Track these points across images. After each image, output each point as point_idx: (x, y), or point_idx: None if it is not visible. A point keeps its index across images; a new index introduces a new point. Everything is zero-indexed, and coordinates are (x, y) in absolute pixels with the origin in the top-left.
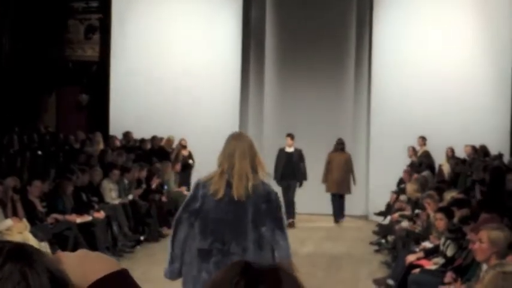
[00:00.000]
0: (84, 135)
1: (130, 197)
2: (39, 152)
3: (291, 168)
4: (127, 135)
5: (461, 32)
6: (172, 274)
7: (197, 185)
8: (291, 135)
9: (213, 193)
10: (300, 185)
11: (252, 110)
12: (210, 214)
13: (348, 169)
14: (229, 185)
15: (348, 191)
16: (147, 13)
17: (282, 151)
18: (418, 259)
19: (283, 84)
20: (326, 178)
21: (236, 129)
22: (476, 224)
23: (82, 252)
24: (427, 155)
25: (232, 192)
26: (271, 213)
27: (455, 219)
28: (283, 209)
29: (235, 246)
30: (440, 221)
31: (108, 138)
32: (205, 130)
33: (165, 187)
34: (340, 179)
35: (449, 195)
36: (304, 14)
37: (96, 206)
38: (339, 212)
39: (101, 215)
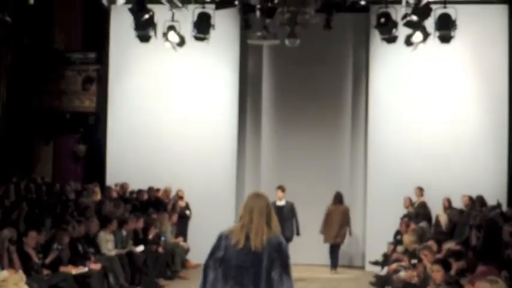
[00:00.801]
0: (79, 185)
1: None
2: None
3: (281, 224)
4: (123, 186)
5: (457, 84)
6: None
7: (220, 237)
8: (281, 188)
9: (234, 244)
10: (289, 240)
11: (249, 160)
12: (231, 261)
13: (345, 222)
14: (247, 237)
15: (343, 241)
16: (144, 64)
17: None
18: None
19: (280, 135)
20: (324, 230)
21: (233, 180)
22: (473, 276)
23: None
24: (423, 206)
25: (250, 243)
26: (281, 260)
27: (453, 271)
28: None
29: None
30: (437, 273)
31: (104, 189)
32: (202, 181)
33: (162, 238)
34: (338, 231)
35: (448, 246)
36: (300, 66)
37: (93, 257)
38: (335, 262)
39: (97, 266)
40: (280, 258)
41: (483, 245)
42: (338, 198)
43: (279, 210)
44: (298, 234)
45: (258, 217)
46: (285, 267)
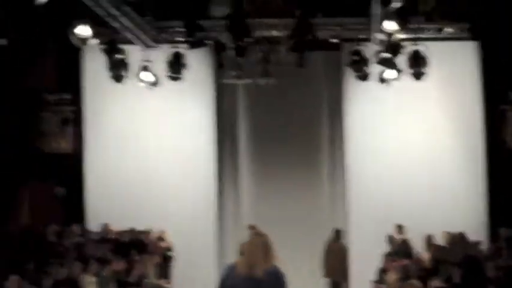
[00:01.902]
0: (57, 228)
1: None
2: None
3: None
4: (105, 227)
5: (432, 120)
6: None
7: (227, 267)
8: (252, 228)
9: (238, 273)
10: None
11: (229, 199)
12: (237, 287)
13: (342, 258)
14: (250, 266)
15: (344, 279)
16: (121, 104)
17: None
18: None
19: (259, 173)
20: (325, 265)
21: (215, 220)
22: None
23: None
24: (404, 243)
25: (253, 272)
26: (278, 286)
27: None
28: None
29: None
30: None
31: (85, 231)
32: (183, 221)
33: (145, 280)
34: (337, 267)
35: (433, 284)
36: (276, 103)
37: None
38: None
39: None
40: (277, 284)
41: (465, 283)
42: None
43: None
44: None
45: (257, 251)
46: None
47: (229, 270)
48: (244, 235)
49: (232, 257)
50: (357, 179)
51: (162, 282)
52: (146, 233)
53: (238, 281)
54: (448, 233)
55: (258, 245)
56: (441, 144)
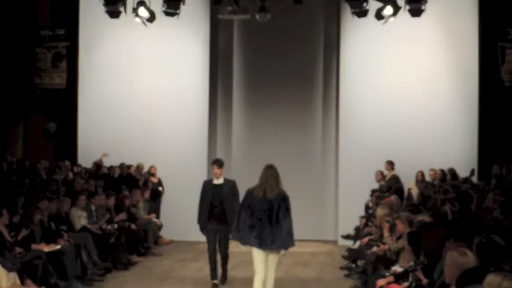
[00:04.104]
0: (48, 163)
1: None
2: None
3: (219, 208)
4: (97, 163)
5: (428, 58)
6: (235, 237)
7: (248, 192)
8: (218, 163)
9: (256, 196)
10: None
11: (220, 136)
12: (255, 207)
13: None
14: (264, 191)
15: None
16: (114, 40)
17: (207, 184)
18: (388, 283)
19: (252, 110)
20: None
21: (205, 156)
22: (444, 249)
23: None
24: (395, 179)
25: (267, 195)
26: (285, 206)
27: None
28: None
29: (267, 223)
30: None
31: (76, 166)
32: (174, 157)
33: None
34: None
35: (420, 218)
36: (271, 40)
37: (65, 235)
38: None
39: (69, 243)
40: (284, 205)
41: (458, 218)
42: None
43: (216, 189)
44: None
45: (271, 179)
46: (288, 211)
47: (248, 193)
48: (238, 168)
49: None
50: (350, 117)
51: (151, 216)
52: (137, 168)
53: (256, 201)
54: (438, 170)
55: (271, 175)
56: (437, 81)
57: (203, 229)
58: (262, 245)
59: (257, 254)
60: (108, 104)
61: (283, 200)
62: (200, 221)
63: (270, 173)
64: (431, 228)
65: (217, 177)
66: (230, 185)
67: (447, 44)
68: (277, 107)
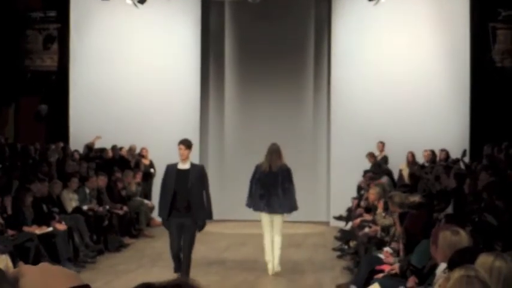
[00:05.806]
0: (42, 145)
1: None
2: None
3: (184, 197)
4: (89, 145)
5: (419, 39)
6: (249, 205)
7: (256, 166)
8: (185, 143)
9: (263, 170)
10: (200, 228)
11: (212, 116)
12: (262, 179)
13: None
14: (270, 165)
15: None
16: (105, 21)
17: (171, 169)
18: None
19: (244, 90)
20: None
21: (197, 137)
22: (435, 229)
23: (44, 266)
24: (386, 160)
25: (272, 168)
26: (288, 177)
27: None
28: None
29: (274, 192)
30: (400, 226)
31: (67, 148)
32: (166, 138)
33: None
34: None
35: (412, 199)
36: (262, 20)
37: (57, 217)
38: None
39: (61, 226)
40: (288, 176)
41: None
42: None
43: (181, 175)
44: (210, 217)
45: (274, 155)
46: (291, 181)
47: (257, 168)
48: (230, 150)
49: (213, 168)
50: (342, 97)
51: (143, 199)
52: (129, 150)
53: (263, 175)
54: (430, 150)
55: (274, 151)
56: (428, 61)
57: (166, 223)
58: (271, 210)
59: (265, 219)
60: (100, 85)
61: (287, 171)
62: (161, 213)
63: (273, 149)
64: (419, 208)
65: (183, 160)
66: (197, 171)
67: (439, 25)
68: (269, 85)
